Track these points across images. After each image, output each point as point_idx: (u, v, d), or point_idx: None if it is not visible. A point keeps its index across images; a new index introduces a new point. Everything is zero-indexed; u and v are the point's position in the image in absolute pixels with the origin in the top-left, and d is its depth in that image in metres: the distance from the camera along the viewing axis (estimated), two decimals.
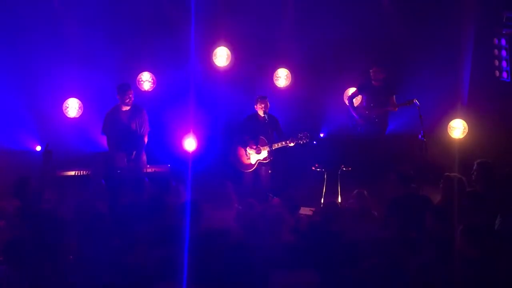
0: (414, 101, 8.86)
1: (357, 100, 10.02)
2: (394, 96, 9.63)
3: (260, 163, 8.89)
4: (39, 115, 10.27)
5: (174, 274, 4.77)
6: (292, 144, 8.81)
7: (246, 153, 8.93)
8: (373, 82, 9.67)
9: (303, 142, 8.81)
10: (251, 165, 8.93)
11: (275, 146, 8.77)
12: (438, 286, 4.78)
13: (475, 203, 6.40)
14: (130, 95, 8.81)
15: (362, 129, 9.77)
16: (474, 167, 7.28)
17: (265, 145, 8.85)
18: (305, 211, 7.94)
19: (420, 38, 10.12)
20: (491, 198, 6.63)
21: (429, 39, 10.11)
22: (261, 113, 8.90)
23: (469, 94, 10.17)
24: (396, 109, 9.51)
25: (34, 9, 10.00)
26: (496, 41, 10.13)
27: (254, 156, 8.91)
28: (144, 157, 8.97)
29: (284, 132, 9.11)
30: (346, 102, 10.17)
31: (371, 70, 9.69)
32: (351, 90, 10.39)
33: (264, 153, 8.86)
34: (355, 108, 9.87)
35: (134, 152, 8.75)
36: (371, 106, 9.67)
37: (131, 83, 10.15)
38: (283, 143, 8.79)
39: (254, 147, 8.89)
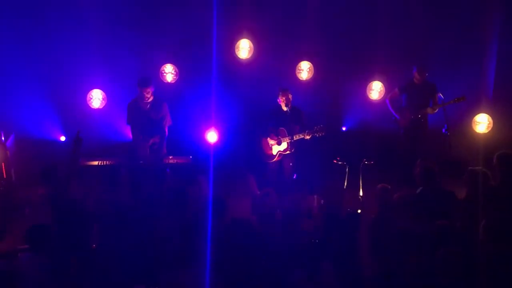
0: (438, 95, 8.74)
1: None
2: (436, 94, 9.13)
3: (282, 155, 8.92)
4: (64, 106, 10.39)
5: (197, 263, 4.81)
6: (308, 137, 8.74)
7: (268, 144, 8.97)
8: (415, 80, 9.23)
9: (319, 135, 8.72)
10: (273, 156, 8.97)
11: (295, 137, 8.76)
12: (462, 279, 4.77)
13: (498, 198, 6.32)
14: (147, 94, 8.71)
15: (402, 130, 9.40)
16: (494, 160, 7.18)
17: (286, 137, 8.86)
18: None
19: (445, 31, 10.00)
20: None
21: (454, 32, 9.99)
22: (283, 106, 8.86)
23: (494, 89, 10.06)
24: (436, 110, 8.96)
25: (58, 1, 10.10)
26: None
27: (275, 147, 8.95)
28: (165, 150, 9.02)
29: (308, 125, 9.02)
30: (388, 104, 9.53)
31: (415, 69, 9.21)
32: (375, 84, 10.33)
33: (284, 145, 8.88)
34: (396, 109, 9.43)
35: (156, 141, 8.82)
36: (414, 106, 9.22)
37: (154, 75, 10.23)
38: (301, 135, 8.77)
39: (275, 138, 8.92)
